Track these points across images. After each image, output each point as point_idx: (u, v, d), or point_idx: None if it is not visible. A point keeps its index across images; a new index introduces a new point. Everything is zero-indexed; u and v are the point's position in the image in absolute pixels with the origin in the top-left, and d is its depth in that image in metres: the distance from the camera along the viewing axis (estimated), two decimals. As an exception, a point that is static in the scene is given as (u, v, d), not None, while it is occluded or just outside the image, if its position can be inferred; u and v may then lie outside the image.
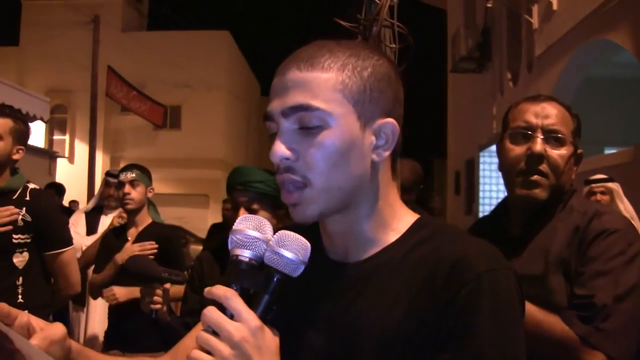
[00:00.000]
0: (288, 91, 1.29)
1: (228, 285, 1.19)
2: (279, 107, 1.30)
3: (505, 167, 2.43)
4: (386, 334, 1.25)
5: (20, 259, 3.76)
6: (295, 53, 1.35)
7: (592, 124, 8.47)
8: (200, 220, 25.81)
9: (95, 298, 5.17)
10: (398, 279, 1.30)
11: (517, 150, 2.37)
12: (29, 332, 1.30)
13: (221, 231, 9.93)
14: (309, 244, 1.26)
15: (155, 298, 3.26)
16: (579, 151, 2.42)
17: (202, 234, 20.98)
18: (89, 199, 20.35)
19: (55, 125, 29.54)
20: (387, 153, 1.35)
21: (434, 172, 35.59)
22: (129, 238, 4.74)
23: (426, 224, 1.39)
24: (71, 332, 6.86)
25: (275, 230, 1.29)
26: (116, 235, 4.91)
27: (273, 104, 1.32)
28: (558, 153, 2.33)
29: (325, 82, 1.29)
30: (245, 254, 1.23)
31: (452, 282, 1.22)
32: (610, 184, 6.13)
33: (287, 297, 1.27)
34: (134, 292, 4.12)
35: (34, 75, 29.32)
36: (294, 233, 1.26)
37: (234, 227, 1.27)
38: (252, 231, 1.24)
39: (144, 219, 4.84)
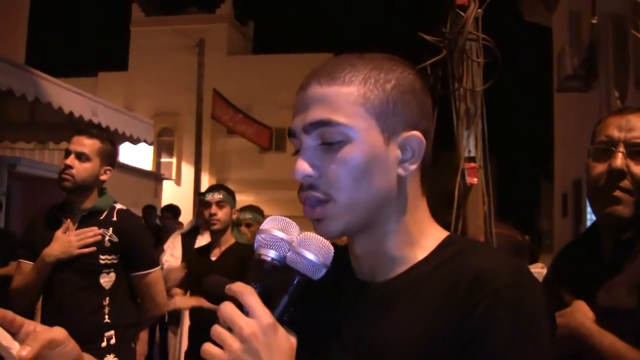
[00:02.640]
0: (309, 107, 1.29)
1: (248, 283, 1.20)
2: (301, 123, 1.29)
3: (588, 186, 2.28)
4: (407, 352, 1.22)
5: (106, 280, 3.79)
6: (317, 68, 1.34)
7: None
8: (304, 242, 25.97)
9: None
10: (422, 298, 1.25)
11: (599, 167, 2.21)
12: None
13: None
14: (332, 248, 1.26)
15: None
16: None
17: (306, 255, 21.06)
18: (194, 220, 20.75)
19: (162, 147, 30.25)
20: (413, 167, 1.31)
21: (542, 194, 34.93)
22: (213, 258, 4.78)
23: (455, 241, 1.34)
24: (168, 353, 6.95)
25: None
26: (200, 254, 4.96)
27: (295, 120, 1.31)
28: None
29: (347, 97, 1.27)
30: (269, 254, 1.23)
31: (471, 295, 1.17)
32: None
33: (313, 313, 1.31)
34: (192, 300, 4.11)
35: (141, 99, 30.10)
36: (317, 235, 1.26)
37: (261, 227, 1.28)
38: (278, 232, 1.25)
39: (228, 240, 4.92)
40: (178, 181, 30.74)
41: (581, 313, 2.12)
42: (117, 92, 29.43)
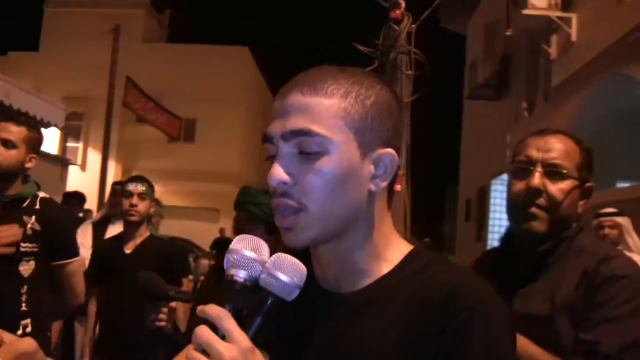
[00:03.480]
0: (289, 114, 1.29)
1: (222, 305, 1.17)
2: (280, 130, 1.29)
3: (508, 202, 2.42)
4: None
5: (26, 267, 3.73)
6: (298, 77, 1.34)
7: (607, 157, 8.46)
8: (209, 234, 25.76)
9: None
10: (391, 310, 1.29)
11: (518, 185, 2.35)
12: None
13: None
14: (305, 269, 1.25)
15: (161, 316, 3.28)
16: (588, 185, 2.38)
17: (211, 248, 20.94)
18: (99, 208, 20.38)
19: (69, 132, 29.60)
20: (384, 183, 1.34)
21: (447, 198, 35.50)
22: (127, 251, 4.76)
23: (419, 255, 1.38)
24: (75, 343, 6.88)
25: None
26: (112, 245, 4.92)
27: (273, 126, 1.31)
28: (558, 187, 2.29)
29: (328, 108, 1.28)
30: (241, 275, 1.22)
31: (446, 311, 1.22)
32: (619, 218, 6.10)
33: (281, 324, 1.29)
34: None
35: (52, 82, 29.40)
36: (291, 256, 1.24)
37: (230, 246, 1.26)
38: (249, 252, 1.23)
39: (143, 233, 4.89)
40: (84, 167, 30.17)
41: None
42: (27, 73, 28.66)
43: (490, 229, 20.06)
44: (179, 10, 36.76)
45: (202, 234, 25.39)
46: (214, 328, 1.13)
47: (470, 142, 23.85)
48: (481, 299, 1.24)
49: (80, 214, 9.91)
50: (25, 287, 3.73)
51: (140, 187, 4.76)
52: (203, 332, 1.13)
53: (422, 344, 1.22)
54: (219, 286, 3.43)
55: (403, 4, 4.09)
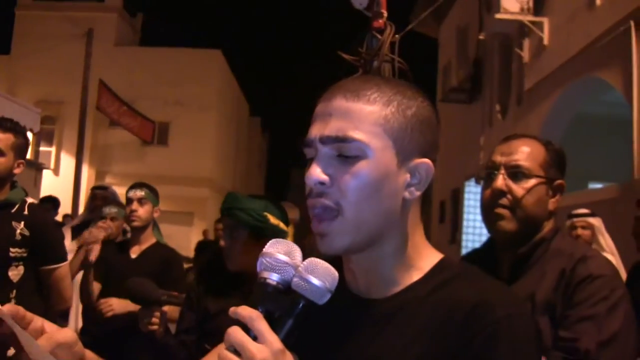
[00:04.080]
0: (330, 118, 1.32)
1: (254, 306, 1.20)
2: (319, 133, 1.33)
3: (480, 208, 2.52)
4: None
5: (15, 273, 3.77)
6: (342, 82, 1.38)
7: (579, 159, 8.60)
8: (184, 238, 25.72)
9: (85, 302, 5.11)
10: (418, 319, 1.31)
11: (486, 190, 2.47)
12: (41, 335, 1.29)
13: (208, 250, 10.07)
14: (337, 273, 1.27)
15: (154, 320, 3.34)
16: (557, 182, 2.48)
17: (185, 251, 20.84)
18: (73, 212, 20.27)
19: (42, 136, 29.36)
20: (419, 192, 1.37)
21: (421, 199, 35.57)
22: (133, 256, 4.79)
23: (449, 265, 1.41)
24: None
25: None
26: (119, 250, 4.95)
27: (314, 129, 1.35)
28: (520, 186, 2.40)
29: (369, 115, 1.32)
30: (273, 278, 1.25)
31: (471, 325, 1.24)
32: (591, 219, 6.20)
33: (309, 327, 1.29)
34: (130, 305, 4.19)
35: (24, 85, 29.18)
36: (323, 261, 1.27)
37: (264, 250, 1.29)
38: (282, 256, 1.26)
39: (148, 238, 4.93)
40: (57, 171, 29.93)
41: None
42: (-2, 76, 28.61)
43: (464, 230, 20.15)
44: (152, 13, 36.69)
45: (177, 237, 25.25)
46: (246, 329, 1.17)
47: (444, 144, 23.69)
48: (507, 314, 1.25)
49: (59, 218, 9.88)
50: (14, 291, 3.77)
51: (139, 193, 4.83)
52: (236, 332, 1.16)
53: (445, 357, 1.25)
54: (206, 292, 3.49)
55: (385, 14, 4.17)
